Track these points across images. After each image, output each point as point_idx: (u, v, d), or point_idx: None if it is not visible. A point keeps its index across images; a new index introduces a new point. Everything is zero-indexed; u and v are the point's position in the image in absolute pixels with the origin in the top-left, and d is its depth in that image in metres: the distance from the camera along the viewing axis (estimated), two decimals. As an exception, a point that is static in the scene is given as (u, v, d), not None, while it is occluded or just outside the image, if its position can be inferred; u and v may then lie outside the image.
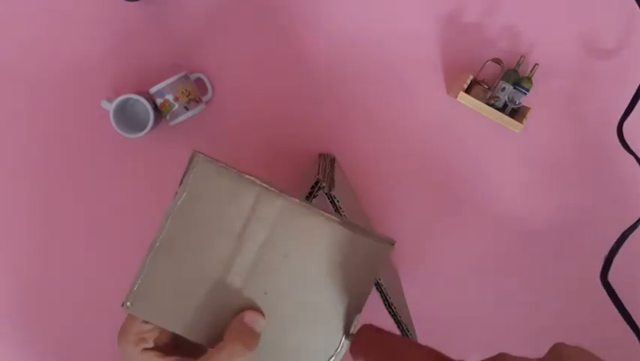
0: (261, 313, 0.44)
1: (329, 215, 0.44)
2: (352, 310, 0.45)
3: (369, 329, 0.41)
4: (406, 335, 0.72)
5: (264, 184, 0.44)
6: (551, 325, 0.90)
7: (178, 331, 0.43)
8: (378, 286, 0.69)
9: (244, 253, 0.43)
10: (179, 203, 0.43)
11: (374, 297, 0.91)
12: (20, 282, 0.90)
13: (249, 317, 0.43)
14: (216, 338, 0.43)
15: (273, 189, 0.44)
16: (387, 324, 0.90)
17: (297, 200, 0.44)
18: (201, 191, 0.44)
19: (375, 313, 0.90)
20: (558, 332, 0.90)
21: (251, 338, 0.42)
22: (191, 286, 0.43)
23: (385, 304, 0.70)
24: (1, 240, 0.89)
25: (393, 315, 0.71)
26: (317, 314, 0.44)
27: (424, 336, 0.90)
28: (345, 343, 0.44)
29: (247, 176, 0.45)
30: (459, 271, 0.89)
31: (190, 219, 0.43)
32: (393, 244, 0.44)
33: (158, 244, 0.44)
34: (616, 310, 0.75)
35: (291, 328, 0.44)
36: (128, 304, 0.43)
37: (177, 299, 0.43)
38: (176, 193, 0.43)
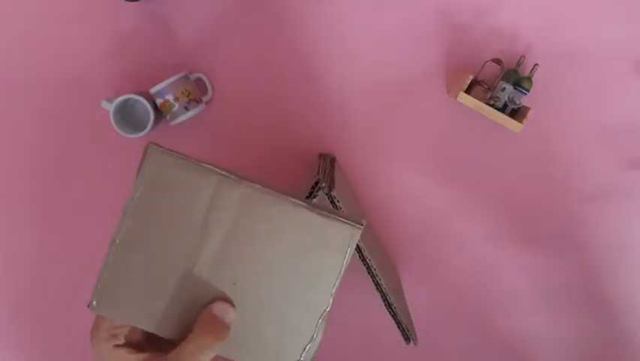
0: (231, 304, 0.43)
1: (294, 200, 0.43)
2: (323, 296, 0.44)
3: None
4: (406, 335, 0.72)
5: (223, 172, 0.43)
6: (550, 325, 0.90)
7: (147, 328, 0.43)
8: (378, 286, 0.69)
9: (209, 244, 0.43)
10: (136, 197, 0.42)
11: (374, 297, 0.91)
12: (20, 282, 0.90)
13: (218, 308, 0.42)
14: (187, 332, 0.42)
15: (232, 176, 0.42)
16: (388, 324, 0.91)
17: (259, 185, 0.43)
18: (158, 183, 0.43)
19: (375, 314, 0.90)
20: (556, 337, 0.90)
21: (220, 329, 0.42)
22: (157, 281, 0.43)
23: (385, 305, 0.70)
24: (2, 240, 0.89)
25: (393, 315, 0.71)
26: (289, 301, 0.43)
27: (424, 336, 0.90)
28: (320, 329, 0.44)
29: (205, 165, 0.43)
30: (459, 271, 0.89)
31: (149, 213, 0.42)
32: (362, 225, 0.43)
33: (118, 240, 0.43)
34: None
35: (265, 317, 0.43)
36: (94, 304, 0.43)
37: (144, 295, 0.43)
38: (133, 186, 0.43)
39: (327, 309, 0.44)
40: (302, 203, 0.43)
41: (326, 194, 0.65)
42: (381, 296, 0.70)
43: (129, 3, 0.83)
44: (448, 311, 0.90)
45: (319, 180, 0.64)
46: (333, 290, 0.44)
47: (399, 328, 0.72)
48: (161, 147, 0.43)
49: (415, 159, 0.86)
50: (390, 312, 0.71)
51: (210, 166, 0.43)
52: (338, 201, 0.64)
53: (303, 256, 0.43)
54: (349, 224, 0.43)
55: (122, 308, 0.43)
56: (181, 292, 0.43)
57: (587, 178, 0.86)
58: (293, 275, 0.43)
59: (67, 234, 0.89)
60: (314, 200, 0.65)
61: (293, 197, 0.43)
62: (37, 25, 0.84)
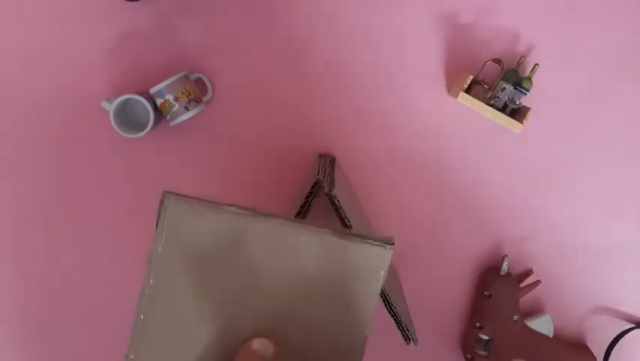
0: (270, 339, 0.42)
1: (319, 228, 0.42)
2: (361, 323, 0.43)
3: None
4: (406, 335, 0.72)
5: (244, 212, 0.42)
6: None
7: None
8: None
9: (241, 284, 0.42)
10: (160, 248, 0.42)
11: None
12: (20, 281, 0.90)
13: (257, 343, 0.42)
14: None
15: (255, 214, 0.42)
16: (388, 324, 0.91)
17: (284, 220, 0.42)
18: (180, 231, 0.42)
19: (375, 314, 0.90)
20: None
21: None
22: (192, 329, 0.42)
23: (386, 305, 0.70)
24: (1, 239, 0.89)
25: (394, 315, 0.71)
26: (326, 330, 0.43)
27: (425, 336, 0.90)
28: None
29: (226, 207, 0.42)
30: (459, 271, 0.89)
31: (175, 261, 0.42)
32: (392, 244, 0.42)
33: (147, 291, 0.42)
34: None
35: (312, 344, 0.43)
36: (132, 357, 0.42)
37: (179, 344, 0.42)
38: (154, 238, 0.42)
39: (365, 335, 0.43)
40: (327, 230, 0.42)
41: (326, 194, 0.65)
42: (382, 296, 0.70)
43: (129, 3, 0.83)
44: (448, 312, 0.90)
45: (319, 180, 0.64)
46: (369, 319, 0.43)
47: (399, 328, 0.72)
48: (178, 194, 0.42)
49: (415, 158, 0.86)
50: (390, 312, 0.71)
51: (232, 207, 0.42)
52: (338, 201, 0.64)
53: (339, 281, 0.43)
54: (378, 245, 0.42)
55: (159, 358, 0.43)
56: (216, 334, 0.43)
57: (587, 178, 0.86)
58: (331, 301, 0.43)
59: (67, 234, 0.89)
60: (314, 200, 0.65)
61: (317, 225, 0.43)
62: (36, 25, 0.84)
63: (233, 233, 0.42)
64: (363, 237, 0.43)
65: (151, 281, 0.42)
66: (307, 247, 0.42)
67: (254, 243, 0.42)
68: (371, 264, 0.42)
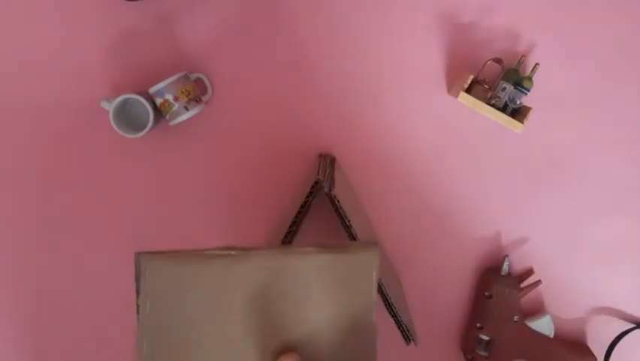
0: (295, 353, 0.42)
1: (303, 248, 0.43)
2: (366, 325, 0.44)
3: None
4: (407, 335, 0.72)
5: (226, 252, 0.41)
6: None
7: None
8: (378, 286, 0.69)
9: (242, 321, 0.42)
10: (147, 313, 0.40)
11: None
12: (20, 281, 0.90)
13: (286, 357, 0.42)
14: None
15: (237, 253, 0.41)
16: (388, 324, 0.91)
17: (265, 250, 0.42)
18: (163, 289, 0.40)
19: (376, 314, 0.90)
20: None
21: None
22: None
23: (386, 305, 0.70)
24: (1, 239, 0.89)
25: (394, 315, 0.71)
26: (342, 328, 0.44)
27: (425, 337, 0.90)
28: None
29: (206, 252, 0.41)
30: (459, 271, 0.89)
31: (166, 323, 0.40)
32: (375, 245, 0.44)
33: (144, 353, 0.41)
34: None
35: (329, 347, 0.43)
36: None
37: None
38: (137, 305, 0.41)
39: (373, 333, 0.44)
40: (310, 249, 0.43)
41: (326, 194, 0.65)
42: (382, 296, 0.70)
43: (129, 3, 0.83)
44: (448, 312, 0.90)
45: (319, 180, 0.64)
46: (373, 307, 0.44)
47: (399, 328, 0.72)
48: (151, 252, 0.41)
49: (415, 158, 0.86)
50: (390, 312, 0.70)
51: (211, 251, 0.42)
52: (338, 201, 0.64)
53: (337, 292, 0.44)
54: (363, 250, 0.44)
55: None
56: None
57: (587, 178, 0.86)
58: (336, 308, 0.44)
59: (67, 234, 0.89)
60: (314, 200, 0.65)
61: (301, 248, 0.43)
62: (36, 25, 0.84)
63: (223, 274, 0.41)
64: (346, 247, 0.44)
65: (145, 352, 0.41)
66: (300, 267, 0.43)
67: (247, 278, 0.42)
68: (361, 269, 0.44)
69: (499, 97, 0.79)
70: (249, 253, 0.42)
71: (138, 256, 0.40)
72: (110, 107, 0.79)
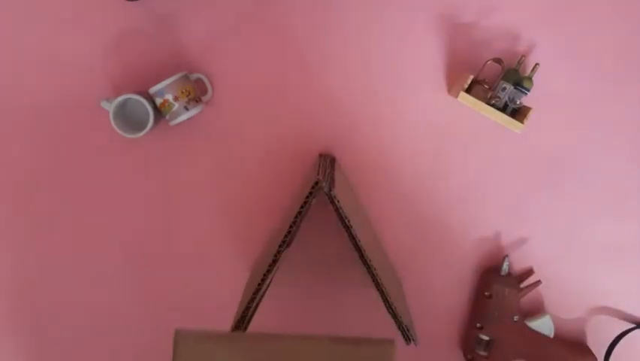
0: None
1: (320, 337, 0.44)
2: None
3: None
4: (407, 335, 0.72)
5: (251, 341, 0.44)
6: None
7: None
8: (378, 285, 0.69)
9: None
10: None
11: (375, 297, 0.91)
12: (20, 281, 0.90)
13: None
14: None
15: (260, 336, 0.44)
16: (388, 324, 0.90)
17: (283, 338, 0.44)
18: None
19: (375, 313, 0.90)
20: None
21: None
22: None
23: (386, 305, 0.70)
24: (1, 239, 0.89)
25: (394, 315, 0.71)
26: None
27: (425, 337, 0.90)
28: None
29: (234, 334, 0.44)
30: (459, 271, 0.89)
31: None
32: (392, 343, 0.44)
33: None
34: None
35: None
36: None
37: None
38: None
39: None
40: (326, 340, 0.44)
41: (326, 194, 0.65)
42: (381, 296, 0.70)
43: (129, 3, 0.83)
44: (448, 312, 0.90)
45: (319, 180, 0.64)
46: None
47: (399, 328, 0.72)
48: (189, 330, 0.44)
49: (415, 158, 0.86)
50: (390, 312, 0.70)
51: (239, 336, 0.44)
52: (338, 201, 0.64)
53: None
54: (378, 347, 0.44)
55: None
56: None
57: (587, 178, 0.86)
58: None
59: (67, 234, 0.89)
60: (314, 200, 0.65)
61: (318, 336, 0.45)
62: (36, 25, 0.84)
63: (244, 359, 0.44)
64: (362, 342, 0.45)
65: None
66: (319, 355, 0.44)
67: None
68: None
69: (499, 97, 0.79)
70: (269, 337, 0.45)
71: (177, 331, 0.44)
72: (110, 107, 0.79)
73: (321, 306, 0.90)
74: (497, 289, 0.84)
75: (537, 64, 0.79)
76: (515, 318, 0.84)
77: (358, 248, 0.67)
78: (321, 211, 0.87)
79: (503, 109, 0.80)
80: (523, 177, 0.86)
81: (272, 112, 0.86)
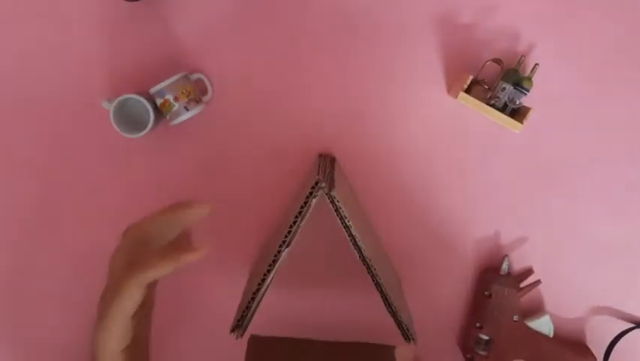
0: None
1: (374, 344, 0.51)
2: None
3: None
4: (406, 334, 0.72)
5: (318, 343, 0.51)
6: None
7: None
8: (378, 285, 0.69)
9: None
10: None
11: (375, 296, 0.91)
12: (20, 281, 0.90)
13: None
14: None
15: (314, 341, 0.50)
16: (388, 324, 0.91)
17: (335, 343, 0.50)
18: None
19: (375, 313, 0.90)
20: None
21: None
22: None
23: (385, 304, 0.70)
24: (1, 239, 0.89)
25: (393, 315, 0.71)
26: None
27: (425, 336, 0.90)
28: None
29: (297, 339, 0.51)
30: (459, 271, 0.89)
31: None
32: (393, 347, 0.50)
33: None
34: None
35: None
36: None
37: None
38: None
39: None
40: (376, 344, 0.50)
41: (326, 194, 0.65)
42: (381, 295, 0.70)
43: (129, 3, 0.83)
44: (448, 311, 0.90)
45: (319, 180, 0.64)
46: None
47: (399, 327, 0.72)
48: (260, 336, 0.51)
49: (415, 158, 0.86)
50: (390, 311, 0.71)
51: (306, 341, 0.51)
52: (338, 201, 0.64)
53: None
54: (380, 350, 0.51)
55: None
56: None
57: (587, 178, 0.86)
58: None
59: (67, 233, 0.89)
60: (314, 200, 0.65)
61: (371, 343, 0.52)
62: (36, 25, 0.84)
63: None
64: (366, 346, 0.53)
65: None
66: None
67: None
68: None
69: (498, 97, 0.79)
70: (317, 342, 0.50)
71: (251, 336, 0.50)
72: (110, 107, 0.79)
73: (321, 306, 0.90)
74: (497, 288, 0.84)
75: (536, 64, 0.80)
76: (515, 318, 0.84)
77: (358, 248, 0.67)
78: (321, 211, 0.87)
79: (503, 109, 0.80)
80: (522, 177, 0.86)
81: (272, 112, 0.86)
